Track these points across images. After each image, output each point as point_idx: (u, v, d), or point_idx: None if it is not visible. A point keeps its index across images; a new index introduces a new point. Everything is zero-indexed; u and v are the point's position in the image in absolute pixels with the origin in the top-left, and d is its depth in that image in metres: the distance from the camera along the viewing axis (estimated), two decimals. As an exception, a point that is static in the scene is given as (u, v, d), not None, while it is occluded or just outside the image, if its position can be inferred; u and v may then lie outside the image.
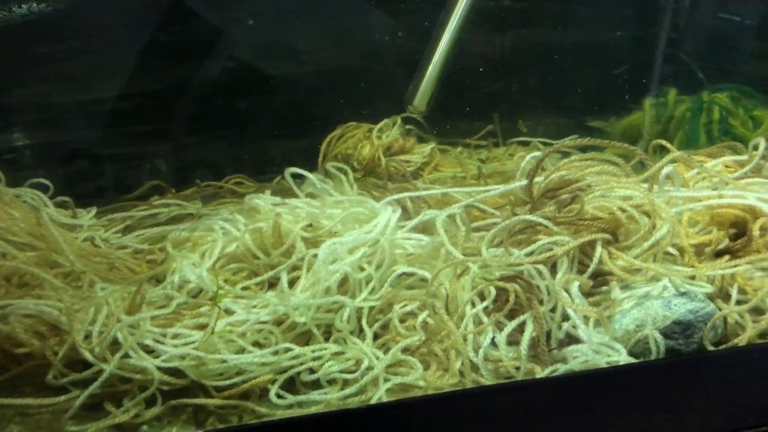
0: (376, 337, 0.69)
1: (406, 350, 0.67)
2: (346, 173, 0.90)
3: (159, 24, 1.07)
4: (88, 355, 0.63)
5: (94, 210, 0.92)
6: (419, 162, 1.09)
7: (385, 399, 0.63)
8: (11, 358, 0.66)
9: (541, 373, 0.63)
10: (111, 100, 1.08)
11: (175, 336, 0.66)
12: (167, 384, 0.64)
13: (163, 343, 0.65)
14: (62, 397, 0.62)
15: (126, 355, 0.63)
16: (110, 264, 0.81)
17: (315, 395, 0.64)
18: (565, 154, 0.85)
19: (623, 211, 0.67)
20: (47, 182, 0.90)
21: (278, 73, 1.15)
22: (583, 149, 0.87)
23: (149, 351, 0.65)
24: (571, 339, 0.66)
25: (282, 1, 1.12)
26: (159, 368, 0.63)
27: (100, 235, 0.87)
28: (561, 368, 0.63)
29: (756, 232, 0.66)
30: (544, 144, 1.14)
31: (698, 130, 0.99)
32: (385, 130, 1.09)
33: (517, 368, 0.64)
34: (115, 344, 0.64)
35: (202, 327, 0.67)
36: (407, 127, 1.12)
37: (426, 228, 0.79)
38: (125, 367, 0.63)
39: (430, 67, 1.05)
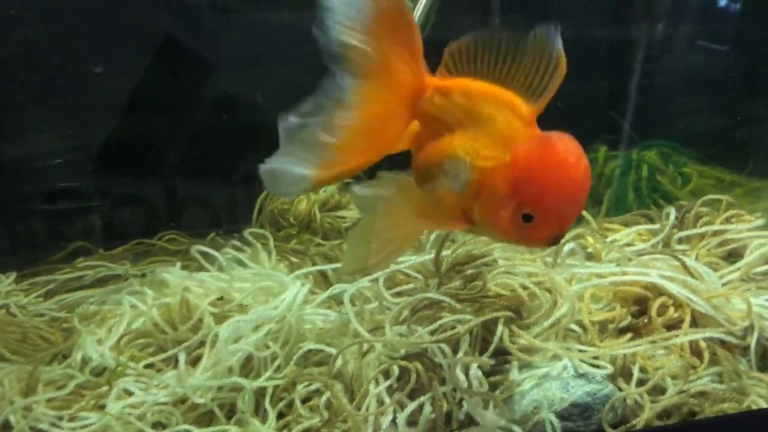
0: (281, 415, 0.69)
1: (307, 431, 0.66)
2: (266, 241, 0.90)
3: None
4: (-24, 442, 0.62)
5: (13, 275, 0.91)
6: (355, 217, 1.08)
7: (282, 487, 0.62)
8: None
9: (438, 457, 0.62)
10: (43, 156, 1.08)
11: (72, 419, 0.65)
12: (64, 472, 0.63)
13: (59, 426, 0.64)
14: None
15: (17, 441, 0.63)
16: (24, 334, 0.80)
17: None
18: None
19: (525, 288, 0.67)
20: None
21: (217, 126, 1.15)
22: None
23: (42, 436, 0.64)
24: (472, 420, 0.65)
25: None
26: (52, 455, 0.62)
27: (18, 301, 0.87)
28: (459, 453, 0.62)
29: (654, 313, 0.65)
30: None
31: (627, 188, 1.00)
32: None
33: (416, 451, 0.63)
34: (6, 428, 0.64)
35: (101, 408, 0.67)
36: (345, 182, 1.12)
37: (341, 301, 0.78)
38: (17, 454, 0.62)
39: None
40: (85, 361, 0.71)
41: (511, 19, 1.17)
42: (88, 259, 0.97)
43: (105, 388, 0.68)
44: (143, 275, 0.87)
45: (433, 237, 0.75)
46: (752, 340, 0.67)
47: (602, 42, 1.15)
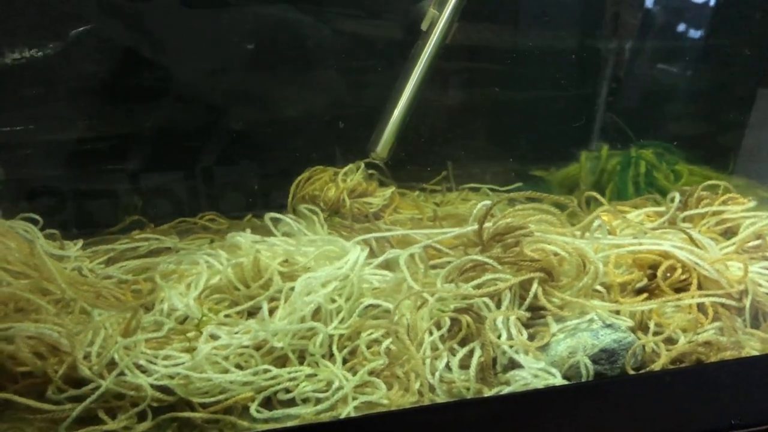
0: (345, 361, 0.78)
1: (371, 373, 0.76)
2: (317, 214, 0.99)
3: (129, 67, 1.16)
4: (87, 372, 0.70)
5: (80, 242, 0.99)
6: (380, 204, 1.18)
7: (353, 415, 0.72)
8: (9, 377, 0.73)
9: (488, 392, 0.73)
10: (89, 141, 1.16)
11: (166, 357, 0.74)
12: (158, 400, 0.71)
13: (155, 364, 0.73)
14: (61, 407, 0.69)
15: (121, 374, 0.71)
16: (97, 292, 0.88)
17: (291, 411, 0.72)
18: (512, 201, 0.97)
19: (556, 254, 0.78)
20: (37, 216, 0.97)
21: (250, 120, 1.24)
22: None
23: (142, 371, 0.72)
24: (515, 364, 0.76)
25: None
26: (151, 386, 0.71)
27: (86, 265, 0.95)
28: (505, 389, 0.73)
29: (666, 274, 0.78)
30: (492, 190, 1.25)
31: (627, 182, 1.12)
32: (349, 174, 1.19)
33: (468, 389, 0.73)
34: (111, 364, 0.72)
35: (189, 350, 0.76)
36: (370, 172, 1.21)
37: (389, 265, 0.88)
38: (120, 384, 0.70)
39: (392, 118, 1.15)
40: (170, 312, 0.80)
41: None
42: (142, 232, 1.05)
43: (192, 333, 0.77)
44: (212, 240, 0.96)
45: (475, 211, 0.86)
46: (747, 302, 0.80)
47: (603, 53, 1.28)
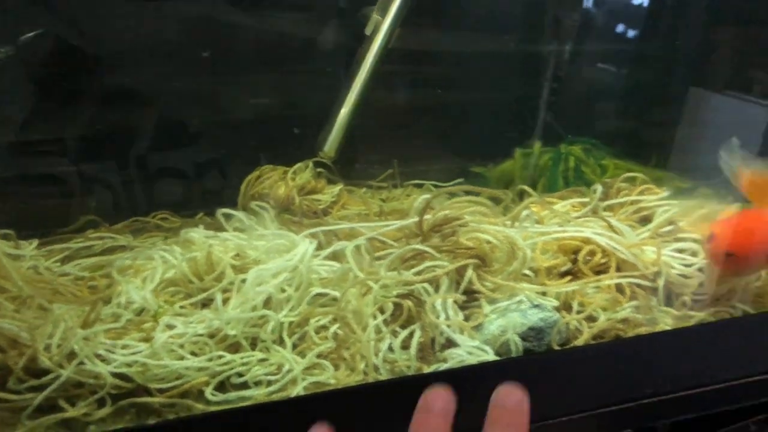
0: (295, 346, 0.83)
1: (320, 356, 0.81)
2: (267, 210, 1.04)
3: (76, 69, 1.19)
4: (47, 362, 0.74)
5: (35, 242, 1.02)
6: (329, 201, 1.23)
7: (302, 394, 0.77)
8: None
9: (427, 369, 0.79)
10: (42, 143, 1.18)
11: (124, 347, 0.78)
12: (117, 387, 0.75)
13: (113, 353, 0.77)
14: (22, 396, 0.73)
15: (81, 363, 0.75)
16: (54, 289, 0.91)
17: (244, 393, 0.77)
18: (452, 195, 1.03)
19: (488, 242, 0.85)
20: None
21: (200, 121, 1.28)
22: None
23: (101, 360, 0.76)
24: (452, 343, 0.83)
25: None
26: (110, 374, 0.75)
27: (42, 264, 0.97)
28: (442, 366, 0.79)
29: (580, 258, 0.85)
30: (435, 186, 1.32)
31: (557, 176, 1.20)
32: (298, 172, 1.24)
33: (409, 367, 0.80)
34: (70, 355, 0.76)
35: (146, 340, 0.80)
36: (318, 170, 1.27)
37: (337, 257, 0.94)
38: (80, 373, 0.74)
39: (339, 119, 1.20)
40: (127, 304, 0.84)
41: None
42: (96, 231, 1.08)
43: (148, 324, 0.81)
44: (166, 237, 1.00)
45: (415, 204, 0.92)
46: (660, 282, 0.88)
47: (536, 56, 1.36)
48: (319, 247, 0.98)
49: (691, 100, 1.44)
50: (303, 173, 1.24)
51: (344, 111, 1.20)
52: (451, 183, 1.31)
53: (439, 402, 0.60)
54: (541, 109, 1.33)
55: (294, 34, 1.30)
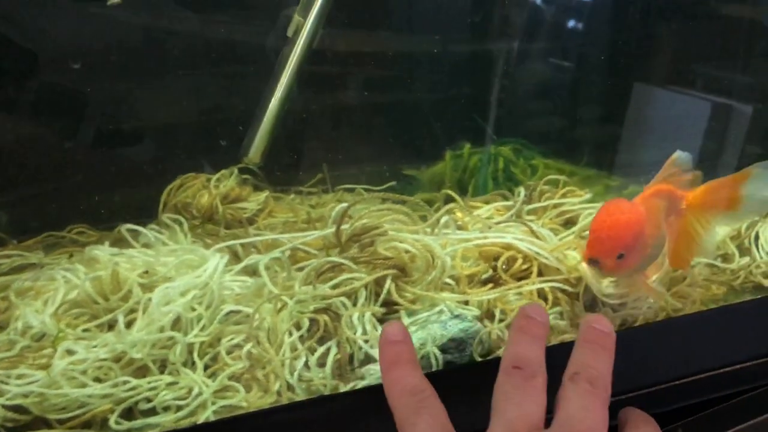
0: (206, 367, 0.80)
1: (231, 377, 0.78)
2: (180, 224, 1.00)
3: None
4: (-68, 399, 0.69)
5: (-68, 263, 0.96)
6: (255, 209, 1.19)
7: (212, 419, 0.74)
8: None
9: (344, 387, 0.76)
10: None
11: (19, 376, 0.73)
12: (12, 420, 0.71)
13: (7, 384, 0.72)
14: None
15: (-30, 397, 0.70)
16: (-48, 314, 0.86)
17: (150, 420, 0.73)
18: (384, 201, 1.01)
19: (407, 251, 0.83)
20: None
21: (117, 128, 1.23)
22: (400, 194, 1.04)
23: (-7, 392, 0.72)
24: (371, 358, 0.80)
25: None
26: (3, 406, 0.70)
27: (-61, 286, 0.92)
28: (360, 383, 0.76)
29: (507, 265, 0.84)
30: (367, 190, 1.29)
31: (487, 178, 1.19)
32: (222, 180, 1.20)
33: (325, 386, 0.77)
34: (-41, 388, 0.71)
35: (45, 367, 0.75)
36: (243, 176, 1.23)
37: (255, 271, 0.90)
38: (-30, 408, 0.70)
39: (263, 122, 1.17)
40: (25, 330, 0.79)
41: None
42: (4, 248, 1.02)
43: (48, 350, 0.76)
44: (71, 255, 0.95)
45: (333, 214, 0.89)
46: (581, 288, 0.87)
47: (466, 56, 1.35)
48: (238, 260, 0.94)
49: (630, 96, 1.44)
50: (227, 181, 1.20)
51: (269, 115, 1.16)
52: (383, 186, 1.28)
53: (542, 315, 0.63)
54: (470, 109, 1.31)
55: (216, 36, 1.26)
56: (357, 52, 1.34)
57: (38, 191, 1.18)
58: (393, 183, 1.31)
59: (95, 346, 0.77)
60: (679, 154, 0.79)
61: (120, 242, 0.99)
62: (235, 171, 1.22)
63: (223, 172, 1.20)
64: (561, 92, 1.40)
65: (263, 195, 1.22)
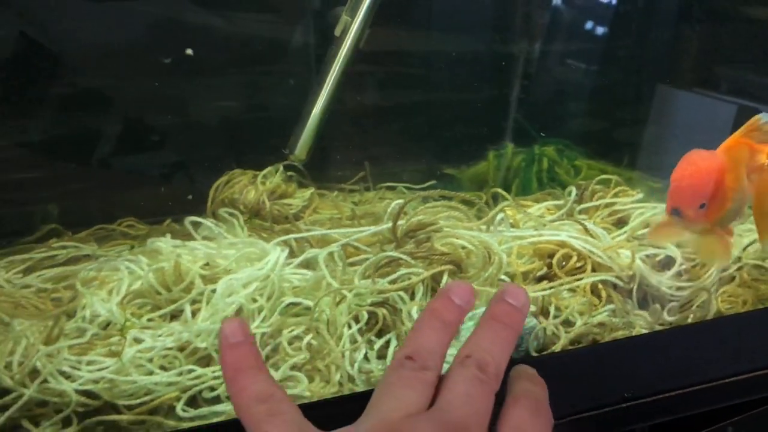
0: (267, 358, 0.81)
1: (293, 367, 0.79)
2: (236, 217, 1.02)
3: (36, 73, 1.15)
4: (8, 381, 0.71)
5: (-6, 253, 0.98)
6: (300, 205, 1.21)
7: (276, 407, 0.75)
8: None
9: (403, 379, 0.78)
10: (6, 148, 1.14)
11: (90, 363, 0.75)
12: (83, 405, 0.73)
13: (78, 369, 0.74)
14: (-19, 420, 0.70)
15: (45, 381, 0.72)
16: (16, 302, 0.87)
17: (216, 408, 0.75)
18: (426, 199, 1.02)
19: (464, 247, 0.84)
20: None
21: (166, 124, 1.25)
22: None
23: (66, 377, 0.73)
24: (429, 351, 0.81)
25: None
26: (75, 391, 0.72)
27: (3, 276, 0.94)
28: (420, 375, 0.78)
29: (555, 261, 0.85)
30: (408, 189, 1.30)
31: (531, 178, 1.20)
32: (268, 176, 1.21)
33: (385, 377, 0.78)
34: (33, 373, 0.73)
35: (113, 354, 0.77)
36: (289, 173, 1.24)
37: (309, 264, 0.92)
38: (44, 392, 0.71)
39: (309, 120, 1.18)
40: (92, 318, 0.81)
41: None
42: (59, 240, 1.05)
43: (115, 338, 0.78)
44: (132, 247, 0.97)
45: (389, 210, 0.90)
46: (635, 285, 0.88)
47: (506, 57, 1.36)
48: (292, 254, 0.96)
49: (660, 98, 1.45)
50: (273, 177, 1.22)
51: (315, 113, 1.17)
52: (424, 185, 1.29)
53: (465, 295, 0.54)
54: (512, 109, 1.32)
55: (263, 35, 1.28)
56: (400, 52, 1.36)
57: (86, 185, 1.21)
58: (433, 182, 1.32)
59: (161, 335, 0.79)
60: (763, 116, 0.77)
61: (172, 235, 1.02)
62: (281, 168, 1.23)
63: (269, 168, 1.22)
64: (600, 92, 1.41)
65: (308, 192, 1.23)
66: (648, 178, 1.21)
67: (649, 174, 1.25)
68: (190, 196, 1.22)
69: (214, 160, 1.25)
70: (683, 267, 0.92)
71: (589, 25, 1.41)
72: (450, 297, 0.53)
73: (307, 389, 0.76)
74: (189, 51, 1.14)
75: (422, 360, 0.49)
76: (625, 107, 1.41)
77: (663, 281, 0.87)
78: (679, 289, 0.86)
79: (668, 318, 0.88)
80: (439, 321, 0.52)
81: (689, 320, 0.89)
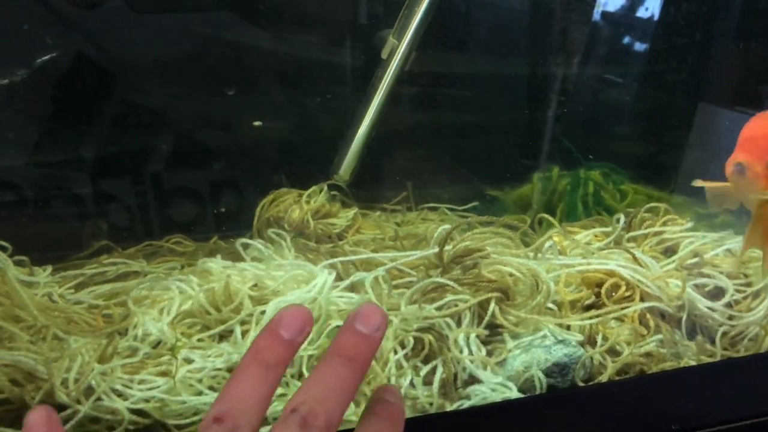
0: (314, 380, 0.82)
1: (340, 391, 0.80)
2: (284, 239, 1.03)
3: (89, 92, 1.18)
4: (65, 398, 0.72)
5: (49, 268, 1.00)
6: (344, 225, 1.22)
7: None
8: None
9: (450, 407, 0.78)
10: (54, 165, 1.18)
11: (141, 381, 0.77)
12: (134, 423, 0.74)
13: (130, 388, 0.76)
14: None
15: (98, 399, 0.74)
16: (69, 318, 0.90)
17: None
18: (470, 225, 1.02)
19: (511, 275, 0.84)
20: (5, 243, 0.98)
21: (215, 143, 1.28)
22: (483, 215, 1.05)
23: (118, 395, 0.75)
24: (475, 379, 0.81)
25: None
26: (128, 410, 0.74)
27: (57, 291, 0.96)
28: (465, 403, 0.78)
29: (603, 291, 0.84)
30: (450, 209, 1.31)
31: (576, 202, 1.19)
32: (313, 196, 1.23)
33: (431, 404, 0.78)
34: (88, 389, 0.74)
35: (164, 374, 0.78)
36: (332, 193, 1.25)
37: (354, 287, 0.92)
38: (98, 409, 0.73)
39: (354, 141, 1.19)
40: (143, 337, 0.82)
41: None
42: (110, 256, 1.07)
43: (165, 357, 0.80)
44: (182, 266, 0.99)
45: (435, 235, 0.91)
46: (684, 315, 0.87)
47: (557, 80, 1.36)
48: (337, 276, 0.96)
49: (702, 118, 1.42)
50: (317, 196, 1.23)
51: (360, 134, 1.19)
52: (467, 206, 1.30)
53: (296, 326, 0.45)
54: (557, 132, 1.32)
55: (309, 56, 1.30)
56: (443, 73, 1.36)
57: (134, 202, 1.24)
58: (476, 204, 1.32)
59: (210, 356, 0.80)
60: None
61: (218, 252, 1.03)
62: (325, 187, 1.25)
63: (313, 188, 1.24)
64: (646, 117, 1.40)
65: (352, 212, 1.24)
66: (695, 203, 1.19)
67: (696, 199, 1.23)
68: (236, 214, 1.25)
69: (261, 178, 1.27)
70: (734, 298, 0.90)
71: (636, 46, 1.39)
72: (276, 332, 0.44)
73: (354, 414, 0.77)
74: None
75: (233, 420, 0.43)
76: (669, 129, 1.40)
77: (716, 307, 0.85)
78: (730, 318, 0.84)
79: (718, 350, 0.87)
80: (261, 366, 0.44)
81: (740, 353, 0.88)
